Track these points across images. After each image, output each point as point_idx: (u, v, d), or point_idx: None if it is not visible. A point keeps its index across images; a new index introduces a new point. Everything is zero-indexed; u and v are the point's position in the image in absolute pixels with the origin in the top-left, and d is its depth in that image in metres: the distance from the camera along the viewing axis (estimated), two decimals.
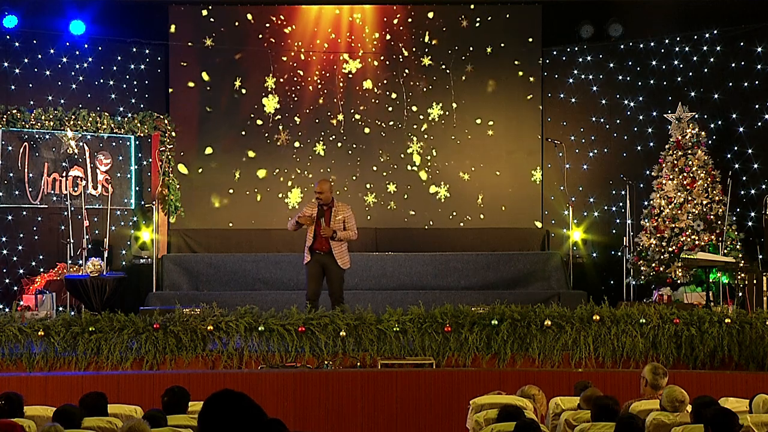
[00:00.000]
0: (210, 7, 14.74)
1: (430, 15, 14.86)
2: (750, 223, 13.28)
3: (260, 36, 14.73)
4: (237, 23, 14.76)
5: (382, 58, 14.82)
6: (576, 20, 14.54)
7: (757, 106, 13.48)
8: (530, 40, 14.83)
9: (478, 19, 14.85)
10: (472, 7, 14.85)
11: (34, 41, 13.76)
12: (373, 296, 12.36)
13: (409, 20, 14.84)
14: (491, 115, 14.88)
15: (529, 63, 14.86)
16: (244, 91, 14.76)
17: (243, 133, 14.75)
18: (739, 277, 12.26)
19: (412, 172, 14.82)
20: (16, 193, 13.49)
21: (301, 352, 9.77)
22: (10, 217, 13.46)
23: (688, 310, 10.24)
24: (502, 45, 14.84)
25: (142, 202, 14.36)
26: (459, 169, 14.83)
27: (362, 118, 14.82)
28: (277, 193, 14.75)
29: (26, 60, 13.68)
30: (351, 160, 14.80)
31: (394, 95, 14.80)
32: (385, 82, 14.82)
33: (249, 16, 14.76)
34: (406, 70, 14.83)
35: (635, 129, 14.34)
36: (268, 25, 14.76)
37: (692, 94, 13.91)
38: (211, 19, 14.73)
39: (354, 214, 11.24)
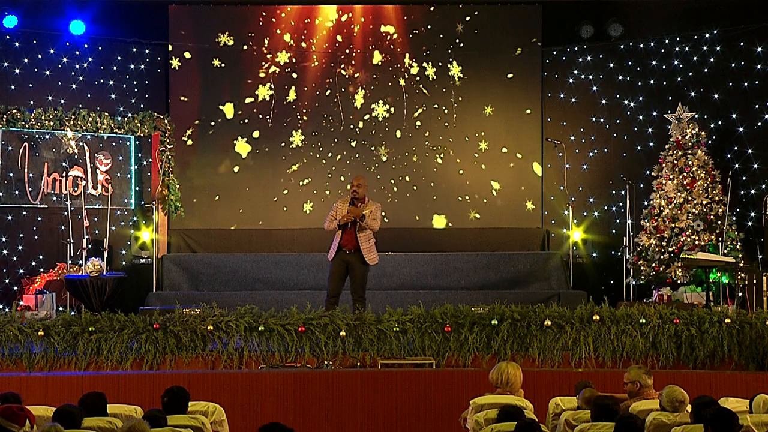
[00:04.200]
0: (210, 7, 14.76)
1: (430, 14, 14.86)
2: (750, 223, 13.29)
3: (260, 35, 14.73)
4: (237, 23, 14.77)
5: (381, 57, 14.81)
6: (576, 20, 14.54)
7: (757, 106, 13.47)
8: (530, 40, 14.83)
9: (478, 19, 14.85)
10: (471, 7, 14.86)
11: (34, 41, 13.76)
12: (373, 296, 12.31)
13: (409, 20, 14.85)
14: (491, 115, 14.88)
15: (529, 63, 14.86)
16: (243, 90, 14.76)
17: (242, 132, 14.75)
18: (739, 277, 12.26)
19: (411, 172, 14.82)
20: (16, 193, 13.49)
21: (301, 352, 9.76)
22: (10, 217, 13.46)
23: (688, 310, 10.24)
24: (502, 45, 14.84)
25: (142, 202, 14.37)
26: (459, 169, 14.83)
27: (362, 118, 14.82)
28: (278, 193, 14.75)
29: (26, 60, 13.69)
30: (351, 160, 14.80)
31: (393, 95, 14.80)
32: (384, 81, 14.82)
33: (249, 16, 14.77)
34: (406, 70, 14.82)
35: (635, 129, 14.34)
36: (268, 24, 14.76)
37: (692, 94, 13.90)
38: (211, 19, 14.74)
39: (381, 210, 11.25)
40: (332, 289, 10.97)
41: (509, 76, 14.87)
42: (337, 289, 10.99)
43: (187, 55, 14.64)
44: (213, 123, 14.72)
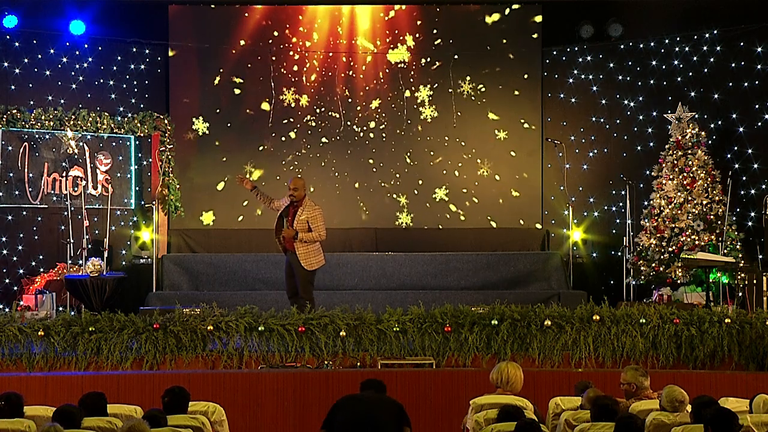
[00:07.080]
0: (211, 7, 14.76)
1: (430, 15, 14.86)
2: (750, 223, 13.29)
3: (260, 36, 14.73)
4: (237, 23, 14.77)
5: (382, 57, 14.82)
6: (576, 20, 14.54)
7: (757, 106, 13.48)
8: (530, 40, 14.83)
9: (478, 19, 14.85)
10: (471, 7, 14.86)
11: (34, 41, 13.76)
12: (373, 296, 12.35)
13: (409, 20, 14.84)
14: (491, 115, 14.88)
15: (529, 63, 14.86)
16: (244, 90, 14.76)
17: (243, 132, 14.75)
18: (739, 277, 12.26)
19: (412, 172, 14.81)
20: (16, 193, 13.49)
21: (301, 352, 9.77)
22: (10, 217, 13.46)
23: (688, 310, 10.24)
24: (503, 45, 14.84)
25: (142, 202, 14.37)
26: (459, 169, 14.82)
27: (362, 118, 14.82)
28: (278, 193, 14.72)
29: (26, 60, 13.69)
30: (351, 161, 14.80)
31: (394, 95, 14.80)
32: (385, 82, 14.82)
33: (249, 16, 14.76)
34: (406, 71, 14.82)
35: (635, 129, 14.34)
36: (268, 24, 14.76)
37: (692, 94, 13.91)
38: (212, 19, 14.74)
39: (322, 215, 10.99)
40: (286, 290, 11.11)
41: (509, 76, 14.86)
42: (291, 289, 11.06)
43: (187, 55, 14.64)
44: (213, 123, 14.71)
